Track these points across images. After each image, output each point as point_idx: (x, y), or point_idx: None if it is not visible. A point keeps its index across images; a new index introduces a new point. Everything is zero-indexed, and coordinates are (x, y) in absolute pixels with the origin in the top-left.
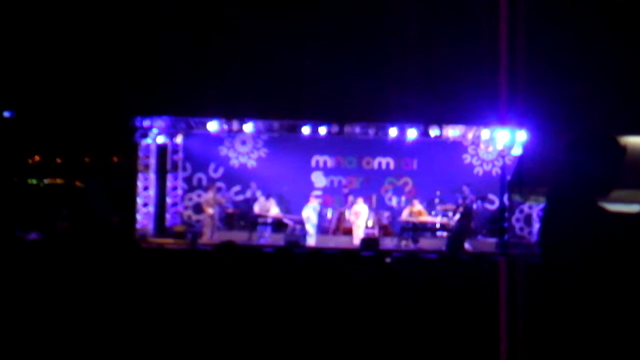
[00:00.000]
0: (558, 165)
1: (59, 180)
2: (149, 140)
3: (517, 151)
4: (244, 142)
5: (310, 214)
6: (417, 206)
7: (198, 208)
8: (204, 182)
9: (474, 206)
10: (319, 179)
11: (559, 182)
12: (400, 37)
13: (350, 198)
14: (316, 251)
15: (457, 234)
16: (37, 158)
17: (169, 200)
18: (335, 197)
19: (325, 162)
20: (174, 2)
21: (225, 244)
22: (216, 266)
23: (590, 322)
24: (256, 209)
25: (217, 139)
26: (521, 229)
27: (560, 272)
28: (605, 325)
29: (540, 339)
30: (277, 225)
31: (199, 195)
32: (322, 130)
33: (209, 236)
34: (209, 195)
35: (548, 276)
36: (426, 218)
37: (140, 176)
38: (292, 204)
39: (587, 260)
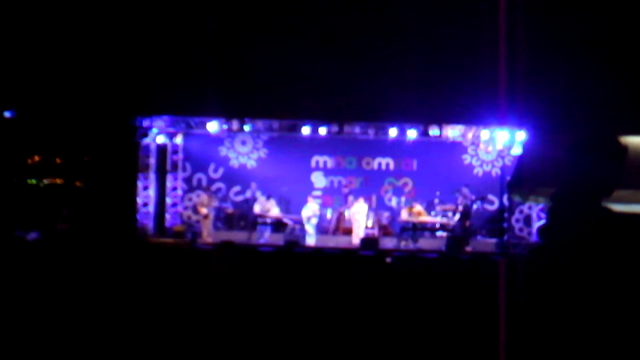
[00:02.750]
0: (560, 166)
1: (59, 180)
2: (149, 140)
3: (516, 151)
4: (244, 143)
5: (310, 213)
6: (417, 206)
7: (196, 208)
8: (204, 182)
9: (475, 206)
10: (319, 179)
11: (562, 183)
12: (401, 37)
13: (351, 198)
14: (316, 251)
15: (457, 234)
16: (37, 158)
17: (168, 200)
18: (335, 197)
19: (325, 163)
20: (173, 2)
21: (224, 244)
22: (215, 265)
23: (593, 322)
24: (257, 209)
25: (217, 139)
26: (521, 229)
27: (564, 272)
28: (608, 325)
29: (540, 338)
30: (277, 225)
31: (199, 196)
32: (322, 130)
33: (206, 236)
34: (203, 196)
35: (551, 276)
36: (426, 218)
37: (140, 176)
38: (292, 204)
39: (591, 260)
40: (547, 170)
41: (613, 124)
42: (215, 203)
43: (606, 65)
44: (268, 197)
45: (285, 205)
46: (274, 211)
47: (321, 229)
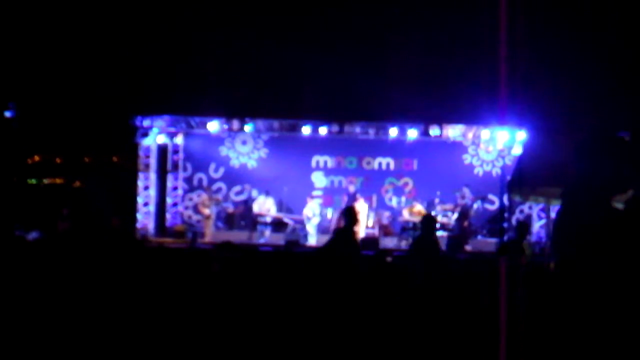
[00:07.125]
0: (562, 166)
1: (58, 180)
2: (149, 140)
3: (517, 151)
4: (244, 142)
5: (311, 213)
6: (418, 206)
7: (197, 208)
8: (205, 182)
9: (475, 206)
10: (319, 179)
11: (570, 183)
12: (401, 37)
13: (358, 196)
14: (317, 250)
15: (457, 234)
16: (37, 158)
17: (169, 200)
18: (335, 197)
19: (325, 162)
20: (173, 2)
21: (223, 245)
22: (216, 265)
23: (601, 321)
24: (255, 208)
25: (218, 139)
26: None
27: (575, 273)
28: (617, 324)
29: (542, 340)
30: (277, 224)
31: (199, 195)
32: (322, 130)
33: (209, 236)
34: (204, 196)
35: (562, 277)
36: None
37: (140, 176)
38: (292, 204)
39: (601, 261)
40: (547, 170)
41: (614, 123)
42: (221, 201)
43: (607, 64)
44: (267, 194)
45: (286, 205)
46: (273, 210)
47: (322, 229)
